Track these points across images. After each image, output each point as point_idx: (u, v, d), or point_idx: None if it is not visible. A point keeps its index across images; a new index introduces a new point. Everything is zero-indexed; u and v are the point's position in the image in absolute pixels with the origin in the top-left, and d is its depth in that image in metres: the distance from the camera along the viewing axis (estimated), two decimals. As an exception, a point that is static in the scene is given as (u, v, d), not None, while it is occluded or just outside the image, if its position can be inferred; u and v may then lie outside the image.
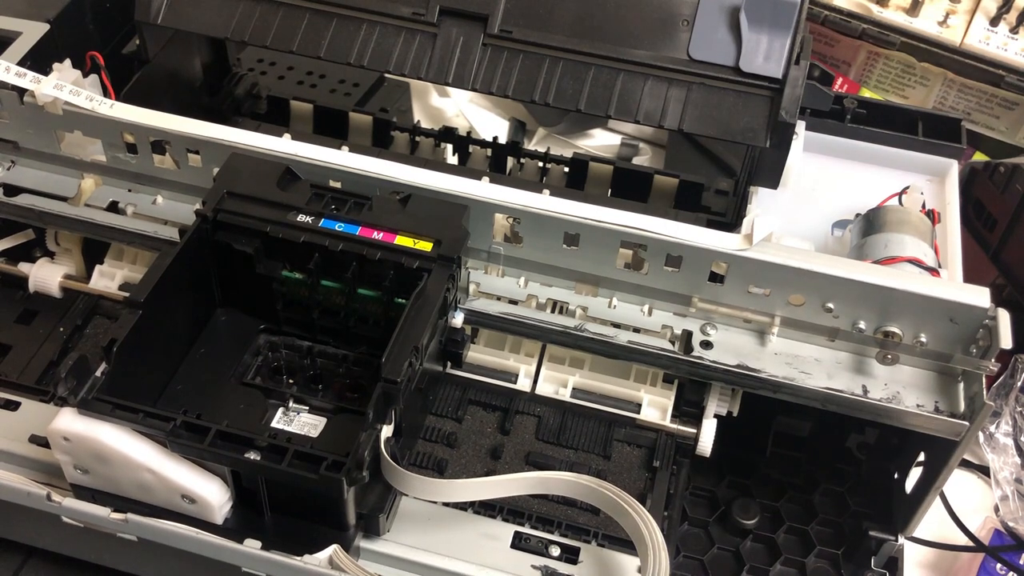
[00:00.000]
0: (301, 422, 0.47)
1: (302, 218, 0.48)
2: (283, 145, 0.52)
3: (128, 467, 0.41)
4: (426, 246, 0.47)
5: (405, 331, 0.43)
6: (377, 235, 0.47)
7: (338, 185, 0.50)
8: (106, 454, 0.41)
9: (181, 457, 0.41)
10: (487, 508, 0.48)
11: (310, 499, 0.41)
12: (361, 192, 0.49)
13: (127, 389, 0.41)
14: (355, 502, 0.42)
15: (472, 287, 0.52)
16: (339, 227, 0.47)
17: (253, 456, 0.40)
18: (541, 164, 0.66)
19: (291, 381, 0.49)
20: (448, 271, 0.46)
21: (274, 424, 0.47)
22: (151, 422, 0.40)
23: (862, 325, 0.48)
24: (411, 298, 0.45)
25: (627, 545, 0.46)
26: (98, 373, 0.41)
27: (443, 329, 0.48)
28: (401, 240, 0.47)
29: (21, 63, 0.55)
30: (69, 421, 0.41)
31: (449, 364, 0.51)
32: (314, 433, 0.46)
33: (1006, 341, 0.45)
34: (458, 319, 0.49)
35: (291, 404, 0.47)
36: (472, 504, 0.48)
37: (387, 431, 0.42)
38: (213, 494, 0.41)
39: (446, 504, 0.47)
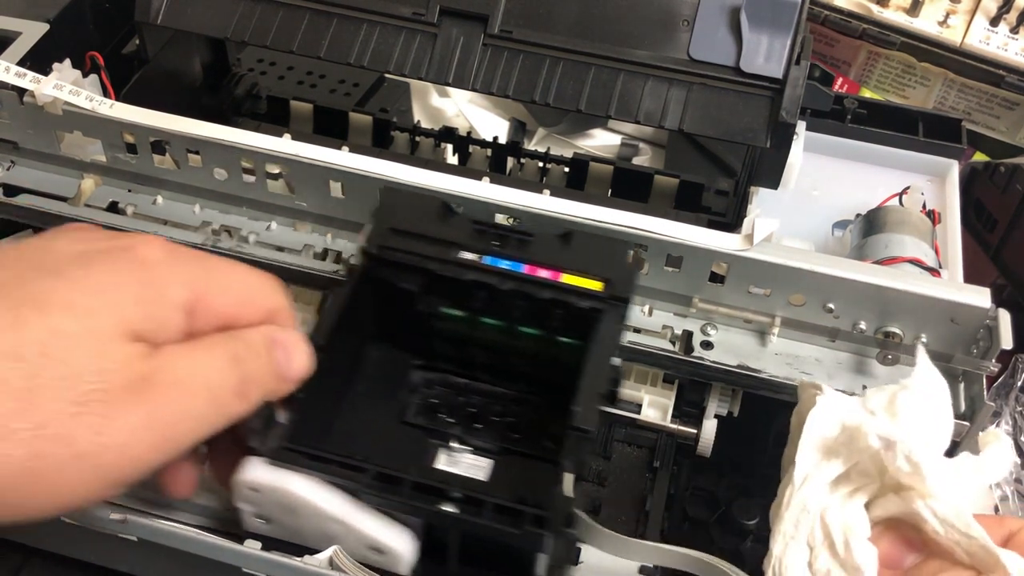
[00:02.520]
0: (466, 464, 0.45)
1: (466, 255, 0.46)
2: (283, 145, 0.52)
3: (317, 518, 0.39)
4: (595, 285, 0.45)
5: (590, 377, 0.42)
6: (543, 273, 0.45)
7: (500, 220, 0.49)
8: (295, 505, 0.39)
9: (369, 507, 0.39)
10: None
11: (502, 551, 0.39)
12: (523, 228, 0.47)
13: (302, 434, 0.40)
14: (551, 556, 0.39)
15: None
16: (504, 265, 0.46)
17: (449, 508, 0.38)
18: (541, 164, 0.66)
19: (451, 420, 0.47)
20: (621, 312, 0.45)
21: (439, 466, 0.45)
22: (345, 473, 0.39)
23: (863, 325, 0.48)
24: (591, 343, 0.43)
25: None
26: (283, 421, 0.40)
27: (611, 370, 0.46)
28: (568, 279, 0.45)
29: (21, 63, 0.55)
30: (259, 472, 0.38)
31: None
32: (482, 476, 0.44)
33: (1007, 341, 0.45)
34: (617, 359, 0.47)
35: (454, 444, 0.46)
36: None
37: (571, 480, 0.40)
38: (403, 545, 0.39)
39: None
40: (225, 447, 0.40)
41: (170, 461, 0.36)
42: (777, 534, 0.38)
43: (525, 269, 0.46)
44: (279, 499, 0.39)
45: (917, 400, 0.39)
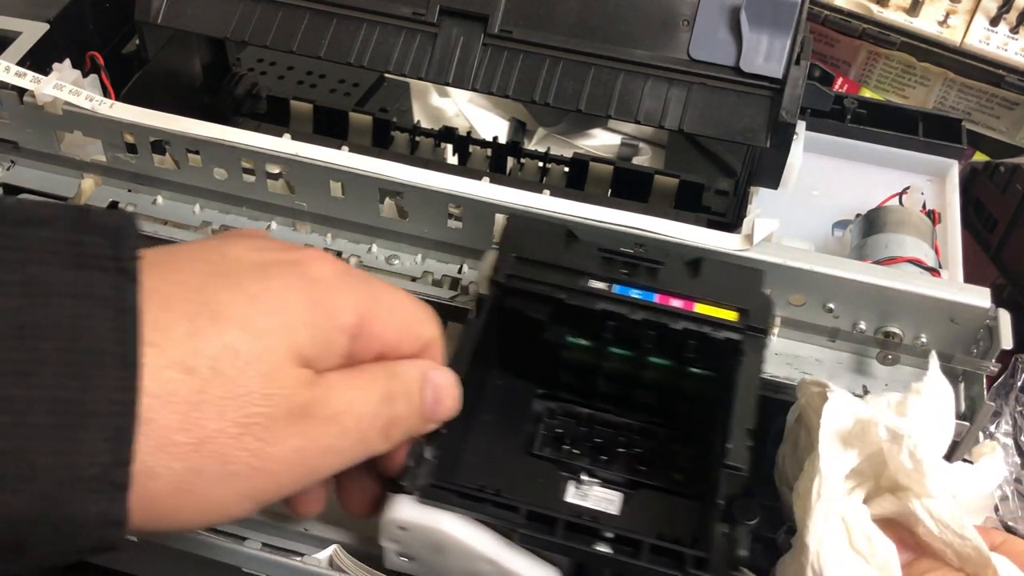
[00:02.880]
0: (597, 497, 0.44)
1: (595, 284, 0.45)
2: (283, 145, 0.52)
3: (466, 558, 0.38)
4: (730, 315, 0.44)
5: (740, 413, 0.41)
6: (676, 303, 0.44)
7: (627, 249, 0.47)
8: (445, 544, 0.38)
9: (518, 546, 0.38)
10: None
11: None
12: (652, 256, 0.46)
13: (439, 468, 0.39)
14: None
15: (472, 287, 0.52)
16: (635, 294, 0.45)
17: (604, 549, 0.37)
18: (541, 164, 0.66)
19: (576, 451, 0.46)
20: (760, 343, 0.43)
21: (569, 499, 0.44)
22: (498, 512, 0.38)
23: (862, 325, 0.48)
24: (738, 376, 0.42)
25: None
26: (430, 457, 0.39)
27: None
28: (703, 309, 0.44)
29: (21, 63, 0.55)
30: (410, 511, 0.37)
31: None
32: (613, 510, 0.43)
33: (1007, 341, 0.45)
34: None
35: (585, 477, 0.44)
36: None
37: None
38: None
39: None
40: (354, 474, 0.39)
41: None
42: (810, 526, 0.38)
43: (657, 298, 0.44)
44: (428, 538, 0.38)
45: (926, 404, 0.39)
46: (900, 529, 0.39)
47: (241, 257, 0.35)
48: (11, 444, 0.27)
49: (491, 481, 0.41)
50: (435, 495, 0.38)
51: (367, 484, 0.40)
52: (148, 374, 0.29)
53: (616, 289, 0.45)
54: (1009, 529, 0.59)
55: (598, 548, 0.37)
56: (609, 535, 0.37)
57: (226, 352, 0.31)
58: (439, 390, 0.38)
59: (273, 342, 0.32)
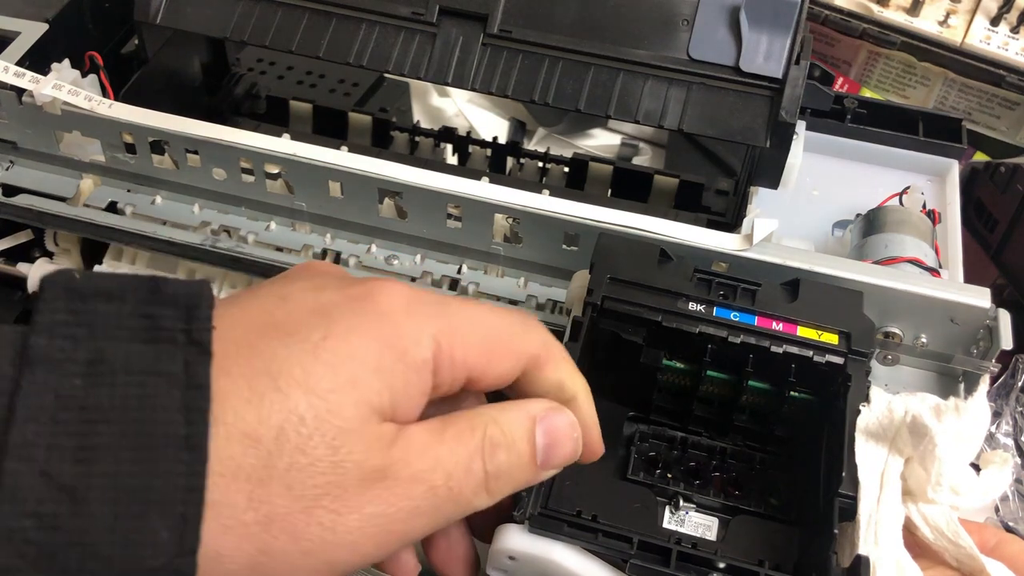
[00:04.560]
0: (693, 522, 0.43)
1: (693, 306, 0.44)
2: (282, 145, 0.52)
3: None
4: (831, 338, 0.43)
5: (851, 443, 0.40)
6: (776, 325, 0.43)
7: (722, 268, 0.46)
8: (554, 574, 0.37)
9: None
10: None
11: None
12: (749, 278, 0.45)
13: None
14: None
15: (471, 287, 0.52)
16: (735, 316, 0.43)
17: None
18: (541, 164, 0.66)
19: (670, 475, 0.44)
20: (864, 368, 0.42)
21: (666, 525, 0.43)
22: (609, 543, 0.37)
23: (862, 325, 0.48)
24: (846, 404, 0.41)
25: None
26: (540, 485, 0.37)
27: None
28: (804, 332, 0.43)
29: (20, 63, 0.55)
30: (520, 540, 0.36)
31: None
32: (711, 535, 0.42)
33: (1007, 342, 0.45)
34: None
35: (681, 503, 0.43)
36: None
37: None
38: None
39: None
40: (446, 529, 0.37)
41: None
42: (858, 541, 0.37)
43: (757, 321, 0.43)
44: (538, 568, 0.37)
45: (962, 425, 0.39)
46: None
47: (300, 300, 0.31)
48: (73, 537, 0.26)
49: (586, 506, 0.40)
50: (545, 524, 0.37)
51: (455, 538, 0.37)
52: (213, 453, 0.27)
53: (716, 311, 0.44)
54: (1010, 530, 0.59)
55: None
56: (721, 565, 0.37)
57: (290, 419, 0.28)
58: (554, 433, 0.34)
59: (339, 400, 0.29)
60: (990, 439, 0.62)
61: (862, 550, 0.37)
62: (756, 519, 0.42)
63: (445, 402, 0.34)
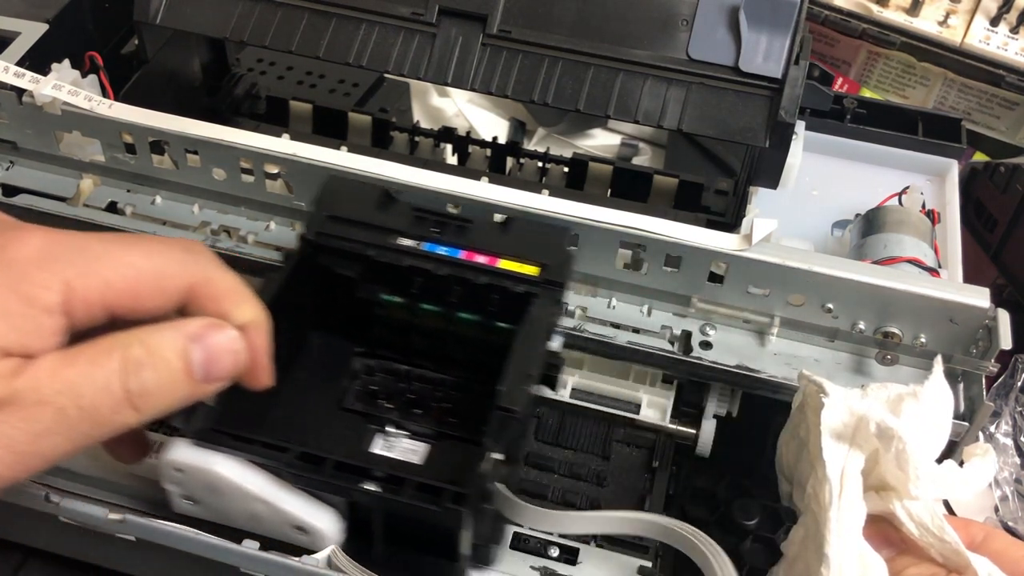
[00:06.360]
0: (402, 448, 0.46)
1: (405, 242, 0.47)
2: (282, 145, 0.52)
3: (241, 498, 0.40)
4: (531, 270, 0.46)
5: (518, 359, 0.42)
6: (481, 259, 0.46)
7: (440, 208, 0.49)
8: (219, 485, 0.39)
9: (294, 488, 0.40)
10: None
11: (425, 530, 0.40)
12: (463, 215, 0.48)
13: (232, 418, 0.40)
14: (473, 534, 0.40)
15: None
16: (443, 251, 0.46)
17: (371, 487, 0.39)
18: (540, 164, 0.66)
19: (389, 406, 0.47)
20: (555, 296, 0.45)
21: (375, 450, 0.45)
22: (268, 453, 0.39)
23: (862, 325, 0.48)
24: (522, 325, 0.44)
25: (626, 546, 0.46)
26: (211, 403, 0.40)
27: (546, 354, 0.46)
28: (505, 264, 0.46)
29: (20, 63, 0.55)
30: (184, 452, 0.39)
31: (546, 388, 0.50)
32: (417, 459, 0.45)
33: (1006, 341, 0.45)
34: (556, 343, 0.47)
35: (391, 430, 0.46)
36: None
37: (500, 460, 0.41)
38: (327, 525, 0.40)
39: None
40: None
41: (67, 459, 0.35)
42: (829, 536, 0.38)
43: (463, 255, 0.46)
44: (204, 480, 0.40)
45: (923, 409, 0.40)
46: (885, 525, 0.39)
47: None
48: None
49: (297, 434, 0.42)
50: (209, 437, 0.39)
51: (135, 436, 0.41)
52: None
53: (424, 246, 0.46)
54: (1009, 530, 0.59)
55: (365, 487, 0.39)
56: (379, 475, 0.39)
57: None
58: (212, 348, 0.36)
59: None
60: (990, 439, 0.62)
61: (830, 546, 0.37)
62: (460, 444, 0.45)
63: (106, 333, 0.36)
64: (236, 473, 0.39)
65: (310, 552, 0.41)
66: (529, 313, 0.44)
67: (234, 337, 0.37)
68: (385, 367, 0.49)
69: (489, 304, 0.46)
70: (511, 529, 0.47)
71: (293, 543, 0.41)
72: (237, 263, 0.53)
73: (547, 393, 0.50)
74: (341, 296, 0.47)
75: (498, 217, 0.49)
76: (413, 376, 0.48)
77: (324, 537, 0.40)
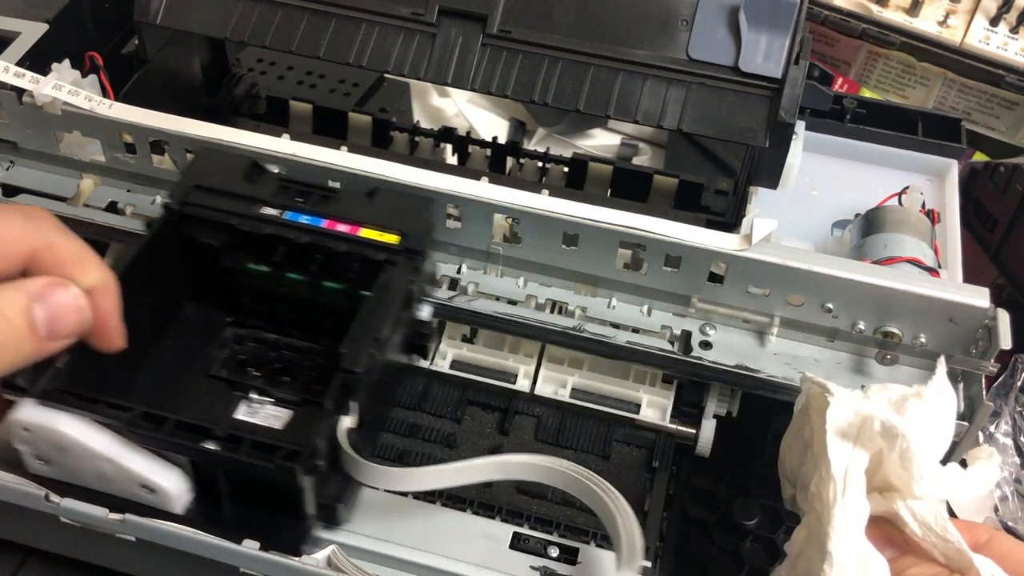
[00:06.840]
0: (266, 414, 0.47)
1: (268, 211, 0.48)
2: (282, 145, 0.52)
3: (87, 457, 0.41)
4: (392, 239, 0.47)
5: (364, 322, 0.43)
6: (342, 228, 0.47)
7: (305, 179, 0.50)
8: (65, 444, 0.41)
9: (141, 448, 0.41)
10: (486, 508, 0.48)
11: (269, 489, 0.41)
12: (329, 186, 0.49)
13: (91, 381, 0.41)
14: (315, 492, 0.42)
15: (471, 287, 0.52)
16: (304, 220, 0.47)
17: (211, 446, 0.40)
18: (541, 164, 0.66)
19: (257, 374, 0.49)
20: (413, 264, 0.46)
21: (239, 416, 0.46)
22: (110, 412, 0.40)
23: (861, 325, 0.48)
24: (372, 290, 0.45)
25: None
26: (59, 364, 0.41)
27: (409, 322, 0.48)
28: (366, 233, 0.47)
29: (20, 63, 0.55)
30: (28, 412, 0.40)
31: (417, 357, 0.51)
32: (278, 425, 0.46)
33: (1006, 341, 0.45)
34: (425, 312, 0.49)
35: (255, 396, 0.47)
36: (471, 504, 0.48)
37: (349, 422, 0.42)
38: (172, 484, 0.41)
39: (445, 505, 0.47)
40: None
41: None
42: (832, 533, 0.38)
43: (325, 224, 0.47)
44: (50, 439, 0.40)
45: (926, 410, 0.40)
46: (887, 525, 0.39)
47: None
48: None
49: (160, 399, 0.43)
50: (54, 397, 0.40)
51: None
52: None
53: (287, 216, 0.47)
54: (1009, 530, 0.59)
55: (205, 445, 0.39)
56: (220, 434, 0.40)
57: None
58: (56, 306, 0.37)
59: None
60: (990, 439, 0.62)
61: (833, 543, 0.38)
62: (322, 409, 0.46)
63: None
64: (81, 432, 0.40)
65: (161, 512, 0.42)
66: (379, 279, 0.45)
67: (77, 294, 0.38)
68: (255, 336, 0.50)
69: (350, 272, 0.47)
70: (510, 528, 0.47)
71: (143, 503, 0.42)
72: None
73: (421, 363, 0.51)
74: (208, 266, 0.48)
75: (365, 188, 0.49)
76: (282, 345, 0.49)
77: (170, 496, 0.41)
